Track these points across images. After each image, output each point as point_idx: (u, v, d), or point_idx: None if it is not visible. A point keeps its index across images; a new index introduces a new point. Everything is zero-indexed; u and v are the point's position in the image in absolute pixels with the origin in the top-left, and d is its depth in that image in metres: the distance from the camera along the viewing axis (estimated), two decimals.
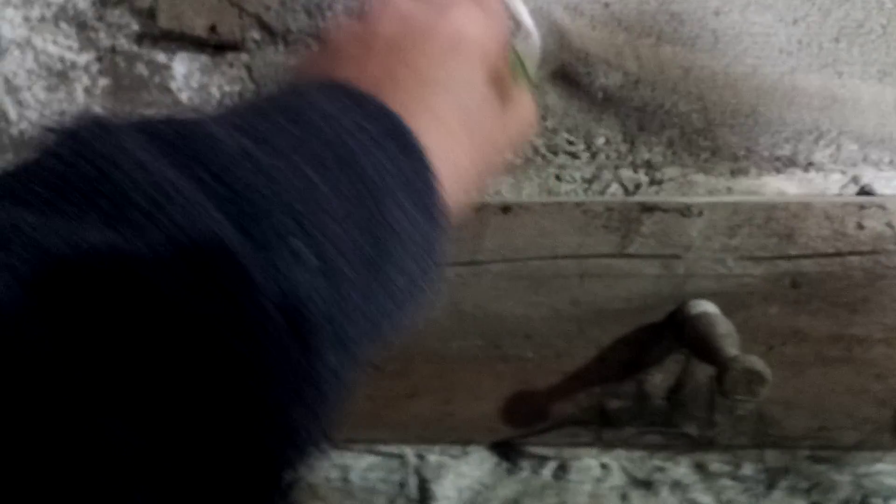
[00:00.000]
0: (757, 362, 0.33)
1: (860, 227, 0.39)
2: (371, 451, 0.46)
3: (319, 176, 0.19)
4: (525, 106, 0.31)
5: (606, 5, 0.41)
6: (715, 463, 0.45)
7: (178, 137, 0.18)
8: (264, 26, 0.43)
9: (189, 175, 0.17)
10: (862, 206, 0.39)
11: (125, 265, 0.15)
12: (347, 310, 0.19)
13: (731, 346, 0.35)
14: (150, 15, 0.43)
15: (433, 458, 0.46)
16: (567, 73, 0.42)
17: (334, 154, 0.20)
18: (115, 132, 0.17)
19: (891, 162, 0.42)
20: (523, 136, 0.32)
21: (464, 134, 0.25)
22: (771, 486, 0.45)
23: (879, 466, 0.44)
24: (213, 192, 0.17)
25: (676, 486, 0.45)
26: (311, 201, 0.18)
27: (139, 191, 0.16)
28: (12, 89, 0.45)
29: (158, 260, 0.15)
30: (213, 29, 0.43)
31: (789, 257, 0.40)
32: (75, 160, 0.16)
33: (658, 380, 0.41)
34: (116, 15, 0.44)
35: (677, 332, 0.39)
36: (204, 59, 0.44)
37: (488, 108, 0.27)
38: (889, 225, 0.39)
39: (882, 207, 0.39)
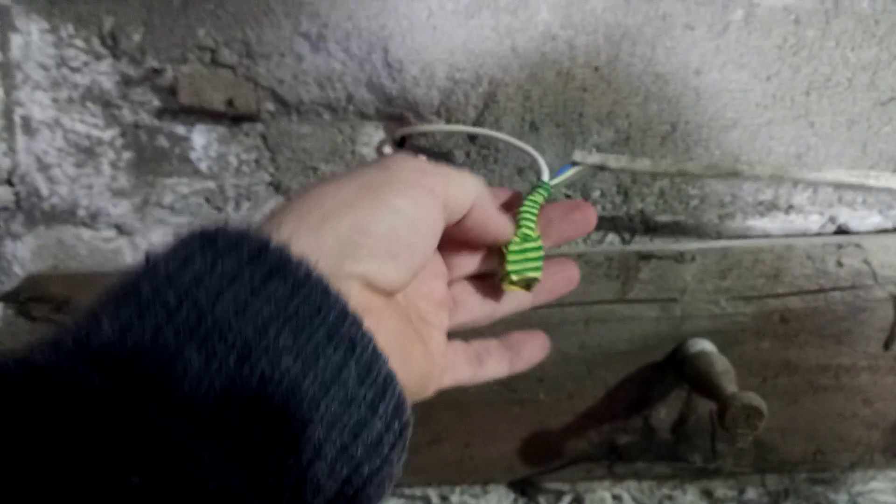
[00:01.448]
0: (754, 398, 0.36)
1: (839, 264, 0.43)
2: (397, 495, 0.48)
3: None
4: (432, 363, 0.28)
5: (596, 69, 0.44)
6: (720, 489, 0.48)
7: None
8: (278, 98, 0.46)
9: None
10: (840, 246, 0.43)
11: None
12: None
13: (729, 383, 0.38)
14: (170, 92, 0.46)
15: (455, 498, 0.48)
16: (563, 133, 0.45)
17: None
18: None
19: (864, 202, 0.46)
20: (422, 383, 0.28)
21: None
22: None
23: (873, 485, 0.47)
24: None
25: None
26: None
27: None
28: (43, 167, 0.47)
29: None
30: (230, 103, 0.46)
31: (777, 295, 0.43)
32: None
33: (663, 415, 0.44)
34: (139, 93, 0.47)
35: (678, 369, 0.42)
36: (221, 129, 0.47)
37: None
38: (866, 262, 0.43)
39: (858, 246, 0.43)
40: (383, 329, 0.23)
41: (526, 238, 0.31)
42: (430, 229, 0.25)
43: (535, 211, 0.32)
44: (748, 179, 0.43)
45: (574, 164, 0.39)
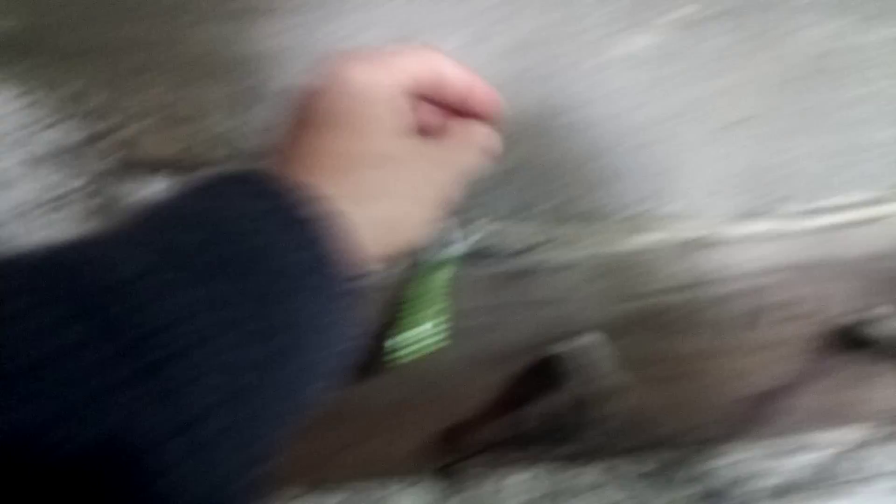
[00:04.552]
0: (612, 382, 0.44)
1: (705, 263, 0.51)
2: (340, 488, 0.55)
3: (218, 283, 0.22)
4: (467, 136, 0.31)
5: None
6: (622, 465, 0.56)
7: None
8: (230, 146, 0.54)
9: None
10: (704, 246, 0.51)
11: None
12: (249, 414, 0.21)
13: (599, 370, 0.46)
14: (131, 145, 0.53)
15: (385, 492, 0.55)
16: None
17: (237, 256, 0.23)
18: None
19: (724, 213, 0.55)
20: (471, 164, 0.32)
21: (392, 187, 0.27)
22: (669, 479, 0.56)
23: (748, 453, 0.56)
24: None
25: (593, 487, 0.56)
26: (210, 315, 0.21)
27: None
28: (19, 215, 0.54)
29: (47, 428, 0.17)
30: (187, 152, 0.54)
31: (652, 293, 0.51)
32: None
33: (557, 403, 0.52)
34: (102, 147, 0.54)
35: (564, 363, 0.50)
36: (180, 176, 0.55)
37: (416, 154, 0.29)
38: (727, 259, 0.51)
39: (719, 245, 0.51)
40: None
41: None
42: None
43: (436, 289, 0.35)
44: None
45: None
